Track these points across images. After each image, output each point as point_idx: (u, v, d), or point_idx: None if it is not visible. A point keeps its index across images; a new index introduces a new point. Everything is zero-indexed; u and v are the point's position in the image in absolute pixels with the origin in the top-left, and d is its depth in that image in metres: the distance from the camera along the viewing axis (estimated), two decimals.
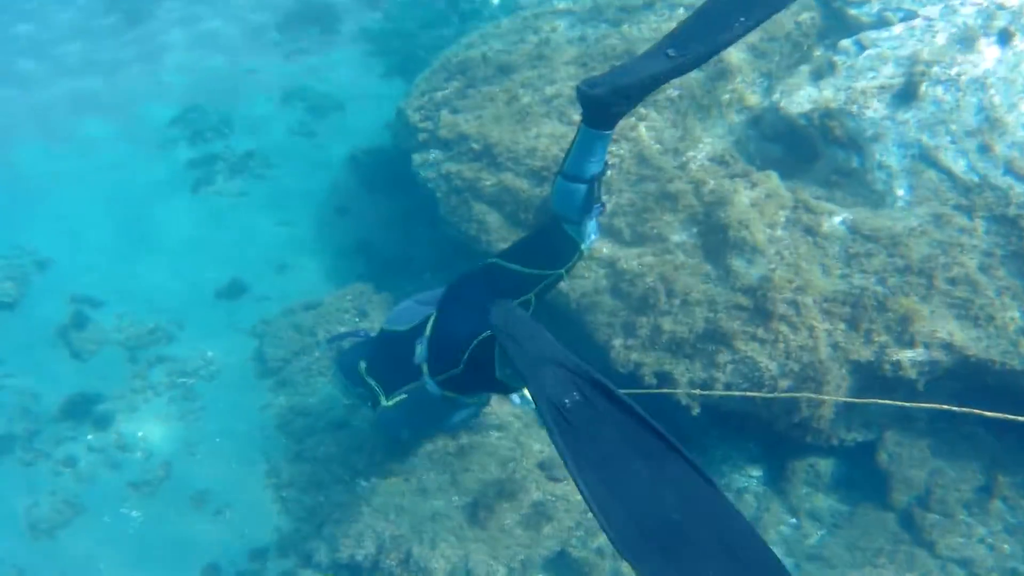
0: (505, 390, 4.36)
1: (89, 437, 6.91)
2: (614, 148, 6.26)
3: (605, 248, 5.97)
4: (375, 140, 8.81)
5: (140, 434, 6.91)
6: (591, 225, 4.74)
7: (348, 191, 8.55)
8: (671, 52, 3.75)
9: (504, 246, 6.10)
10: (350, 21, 11.08)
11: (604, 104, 3.97)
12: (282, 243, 8.04)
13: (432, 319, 4.75)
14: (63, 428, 6.98)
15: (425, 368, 4.64)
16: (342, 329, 6.83)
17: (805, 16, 7.14)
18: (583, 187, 4.47)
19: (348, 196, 8.52)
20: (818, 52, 7.10)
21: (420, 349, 4.69)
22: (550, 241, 4.84)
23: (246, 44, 10.83)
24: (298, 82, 10.02)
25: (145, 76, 10.60)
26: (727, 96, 6.77)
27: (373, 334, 5.47)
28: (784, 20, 6.98)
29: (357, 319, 7.10)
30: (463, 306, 4.70)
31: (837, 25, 7.17)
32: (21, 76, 10.90)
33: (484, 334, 4.13)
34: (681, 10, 7.33)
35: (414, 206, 7.63)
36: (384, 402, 4.85)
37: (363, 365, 5.14)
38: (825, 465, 5.90)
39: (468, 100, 7.03)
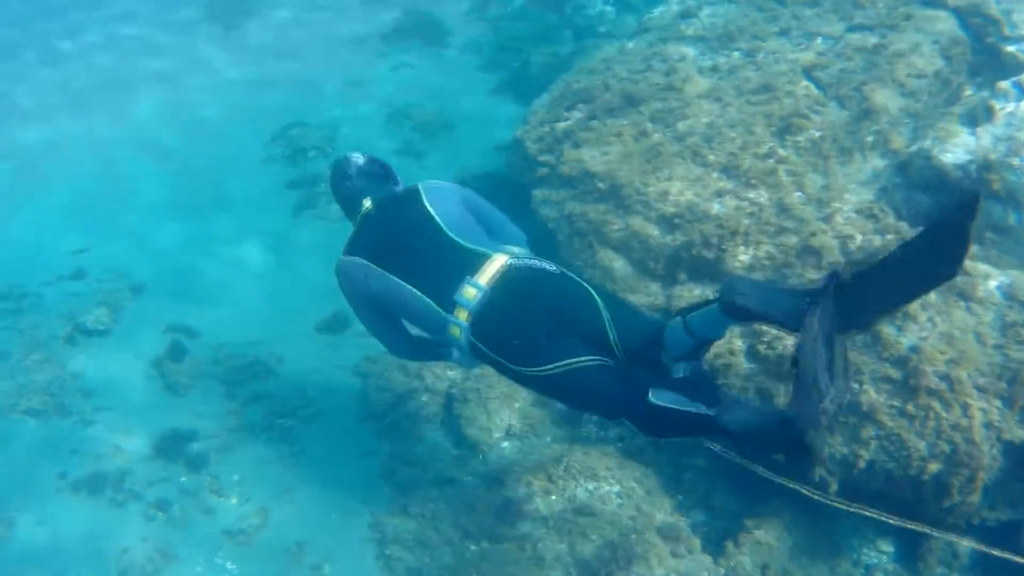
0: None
1: (183, 479, 7.06)
2: (752, 194, 6.27)
3: None
4: (485, 164, 8.90)
5: (236, 477, 7.03)
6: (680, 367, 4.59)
7: None
8: (807, 306, 3.76)
9: (632, 296, 6.16)
10: (457, 33, 11.23)
11: (742, 311, 3.95)
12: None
13: None
14: (155, 468, 7.13)
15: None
16: None
17: (955, 51, 7.05)
18: (691, 342, 4.38)
19: None
20: (968, 92, 7.03)
21: None
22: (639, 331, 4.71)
23: (350, 55, 10.99)
24: (404, 97, 10.15)
25: (242, 87, 10.79)
26: (871, 138, 6.76)
27: None
28: (932, 55, 6.94)
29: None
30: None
31: (991, 62, 7.12)
32: (117, 78, 11.15)
33: None
34: (820, 40, 7.30)
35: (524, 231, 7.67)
36: None
37: None
38: (964, 544, 5.83)
39: (592, 133, 7.09)
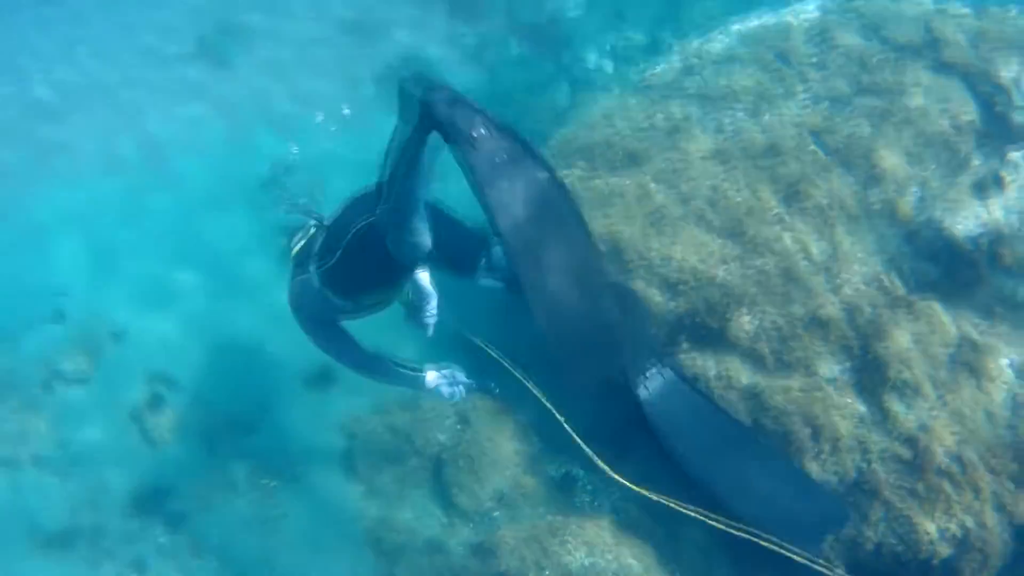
0: (377, 286, 5.32)
1: (160, 539, 6.96)
2: (759, 261, 6.21)
3: (744, 376, 5.90)
4: (476, 216, 8.80)
5: (216, 539, 6.92)
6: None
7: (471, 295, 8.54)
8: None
9: None
10: (452, 78, 11.14)
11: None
12: (379, 328, 8.01)
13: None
14: (132, 524, 7.04)
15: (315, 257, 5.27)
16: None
17: (964, 118, 7.03)
18: None
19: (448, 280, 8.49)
20: (977, 160, 6.99)
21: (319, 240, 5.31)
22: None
23: (343, 97, 10.92)
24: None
25: (234, 129, 10.73)
26: (878, 205, 6.71)
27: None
28: (940, 121, 6.92)
29: (459, 427, 7.07)
30: (357, 203, 5.26)
31: (1000, 131, 7.10)
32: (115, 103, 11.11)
33: (361, 223, 4.98)
34: (826, 103, 7.28)
35: (517, 298, 7.58)
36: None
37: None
38: None
39: (594, 192, 7.04)
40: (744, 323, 6.03)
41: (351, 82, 11.17)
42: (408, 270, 5.19)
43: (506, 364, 5.56)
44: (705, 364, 6.03)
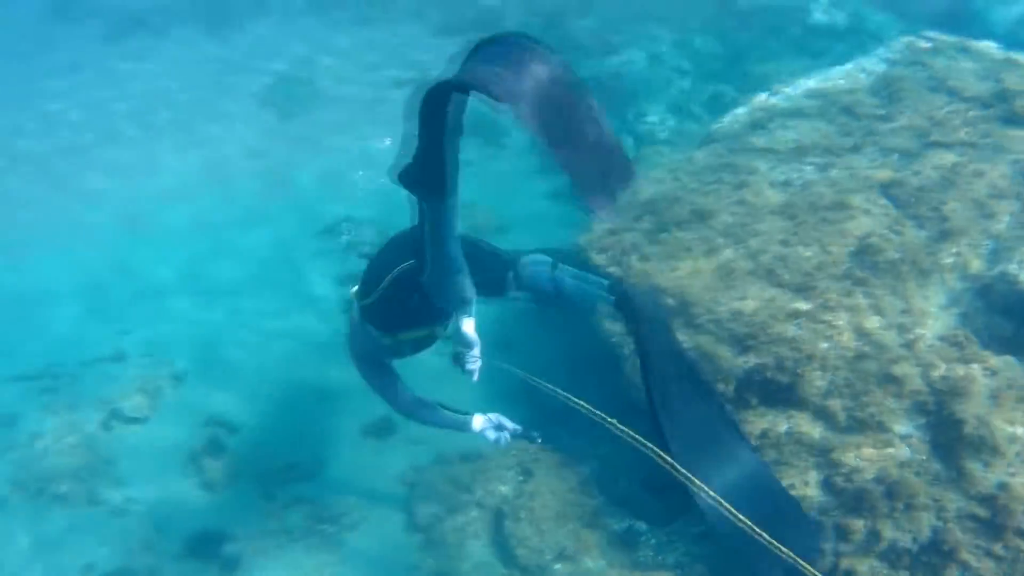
0: (415, 323, 5.43)
1: None
2: (830, 317, 6.14)
3: (816, 433, 5.81)
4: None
5: None
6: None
7: (511, 324, 8.52)
8: None
9: None
10: (516, 133, 11.22)
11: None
12: (439, 376, 7.98)
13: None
14: (187, 568, 6.99)
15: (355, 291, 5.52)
16: None
17: None
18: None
19: (512, 329, 8.48)
20: None
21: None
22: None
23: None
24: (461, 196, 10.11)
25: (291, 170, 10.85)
26: (950, 260, 6.61)
27: None
28: (1012, 174, 6.94)
29: (520, 479, 7.02)
30: (398, 241, 5.44)
31: None
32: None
33: (403, 266, 5.13)
34: (895, 156, 7.23)
35: (583, 350, 7.56)
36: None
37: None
38: None
39: (661, 246, 7.02)
40: (815, 379, 5.93)
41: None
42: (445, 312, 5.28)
43: (536, 382, 5.53)
44: (775, 420, 5.94)
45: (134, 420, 8.10)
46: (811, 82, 8.58)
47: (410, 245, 5.05)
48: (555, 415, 7.14)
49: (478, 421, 5.95)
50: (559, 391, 5.35)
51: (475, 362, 5.53)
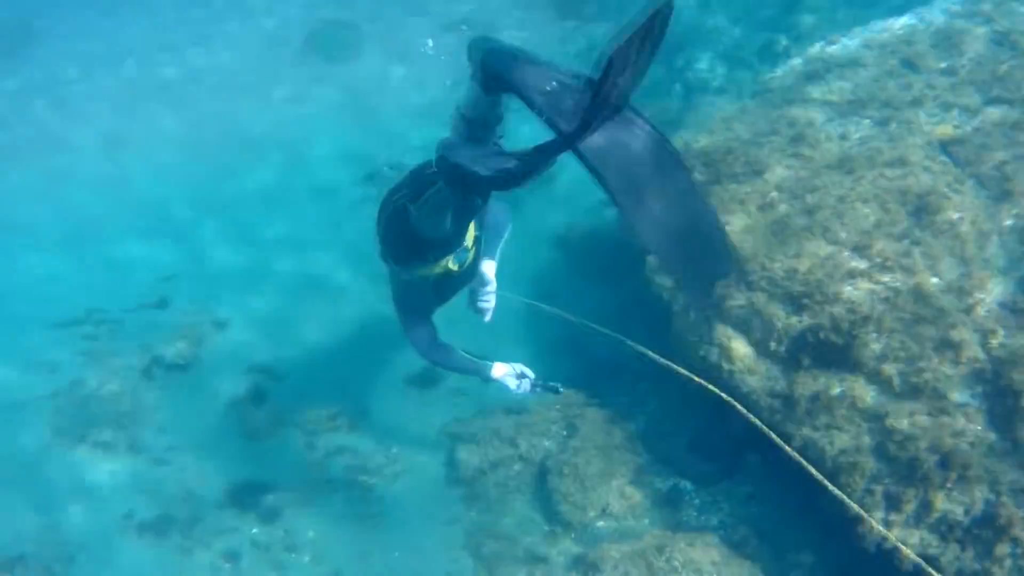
0: (421, 256, 5.26)
1: (254, 530, 6.93)
2: (887, 278, 6.01)
3: (869, 397, 5.71)
4: (591, 221, 8.74)
5: (311, 535, 6.87)
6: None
7: (556, 275, 8.45)
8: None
9: (750, 379, 5.95)
10: None
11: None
12: (481, 329, 7.90)
13: None
14: (227, 516, 7.02)
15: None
16: None
17: None
18: None
19: (556, 281, 8.41)
20: None
21: None
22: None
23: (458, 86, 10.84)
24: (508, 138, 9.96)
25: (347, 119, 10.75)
26: (1010, 221, 6.44)
27: None
28: None
29: (565, 433, 6.97)
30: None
31: None
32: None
33: (396, 197, 5.12)
34: (956, 112, 7.05)
35: (630, 301, 7.51)
36: None
37: None
38: None
39: (714, 199, 6.87)
40: (870, 342, 5.82)
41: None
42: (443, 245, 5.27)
43: (539, 306, 6.36)
44: (828, 383, 5.84)
45: (176, 367, 8.08)
46: (868, 32, 8.33)
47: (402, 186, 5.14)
48: (601, 370, 7.11)
49: (499, 369, 5.85)
50: (560, 311, 6.25)
51: (488, 301, 5.89)
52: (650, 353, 6.04)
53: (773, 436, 5.44)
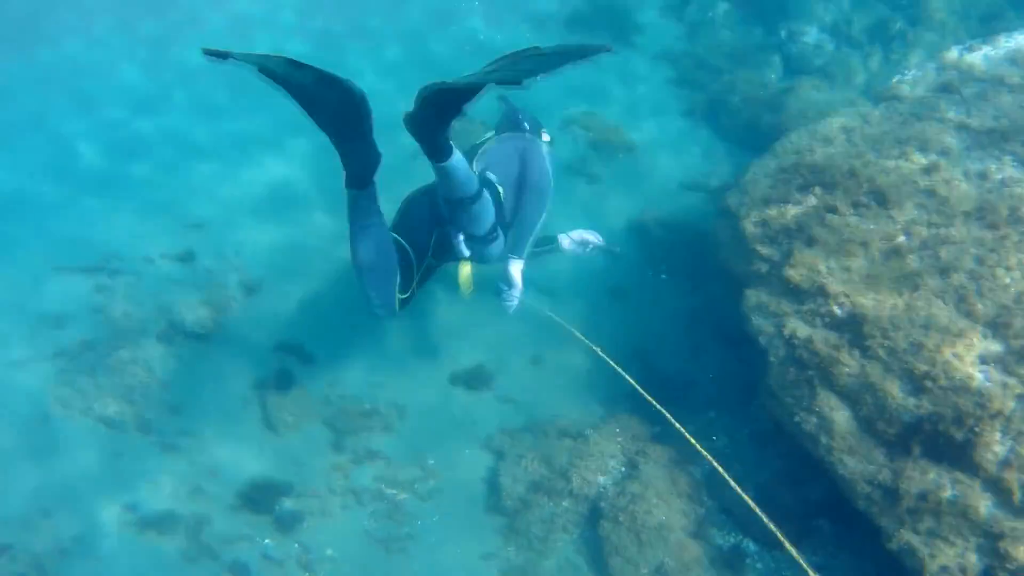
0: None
1: (267, 541, 6.44)
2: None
3: (983, 508, 5.11)
4: (671, 207, 8.16)
5: (329, 552, 6.39)
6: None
7: (629, 267, 7.80)
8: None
9: (849, 460, 5.34)
10: (650, 32, 10.23)
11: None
12: (539, 325, 7.24)
13: None
14: (239, 520, 6.52)
15: None
16: None
17: None
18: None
19: (628, 274, 7.77)
20: None
21: None
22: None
23: (532, 36, 10.08)
24: (576, 101, 9.28)
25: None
26: None
27: None
28: None
29: (623, 470, 6.49)
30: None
31: None
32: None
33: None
34: None
35: (706, 308, 7.08)
36: None
37: None
38: None
39: (830, 231, 6.18)
40: (994, 443, 5.15)
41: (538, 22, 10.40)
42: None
43: (554, 318, 6.34)
44: (939, 482, 5.20)
45: (196, 336, 7.38)
46: (1015, 41, 7.45)
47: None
48: (669, 387, 6.52)
49: (566, 240, 6.85)
50: (560, 319, 6.29)
51: (513, 303, 6.17)
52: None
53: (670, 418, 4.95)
